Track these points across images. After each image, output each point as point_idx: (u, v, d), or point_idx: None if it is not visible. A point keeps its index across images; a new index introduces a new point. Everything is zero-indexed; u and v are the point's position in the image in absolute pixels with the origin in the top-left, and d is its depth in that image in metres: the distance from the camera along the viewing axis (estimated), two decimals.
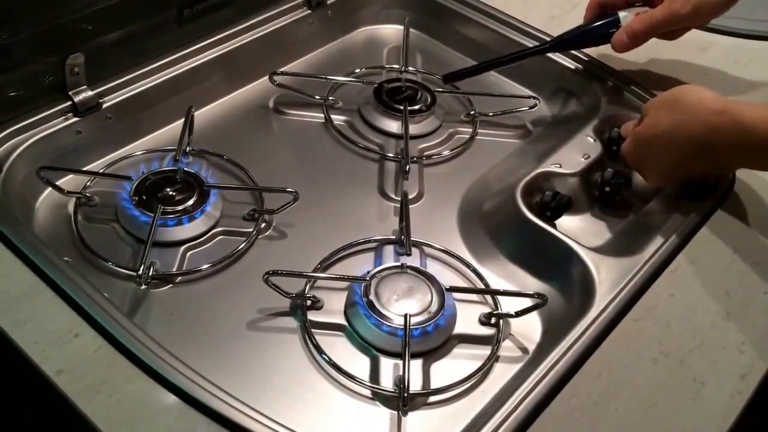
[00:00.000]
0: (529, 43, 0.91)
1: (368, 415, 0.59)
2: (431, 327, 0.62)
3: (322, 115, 0.85)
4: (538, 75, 0.90)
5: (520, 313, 0.65)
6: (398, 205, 0.74)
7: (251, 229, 0.71)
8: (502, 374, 0.63)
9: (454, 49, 0.97)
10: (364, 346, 0.63)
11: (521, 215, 0.70)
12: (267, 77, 0.85)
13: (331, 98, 0.86)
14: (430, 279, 0.65)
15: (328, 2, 0.94)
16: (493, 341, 0.65)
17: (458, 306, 0.66)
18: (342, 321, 0.64)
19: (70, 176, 0.73)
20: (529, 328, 0.66)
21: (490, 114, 0.87)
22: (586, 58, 0.88)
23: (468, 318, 0.66)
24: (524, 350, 0.65)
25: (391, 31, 0.99)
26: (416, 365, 0.62)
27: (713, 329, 0.63)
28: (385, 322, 0.62)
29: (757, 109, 0.64)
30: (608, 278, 0.65)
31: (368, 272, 0.65)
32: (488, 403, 0.60)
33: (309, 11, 0.92)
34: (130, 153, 0.77)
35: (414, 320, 0.62)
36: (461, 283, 0.69)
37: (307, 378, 0.61)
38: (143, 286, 0.65)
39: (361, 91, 0.87)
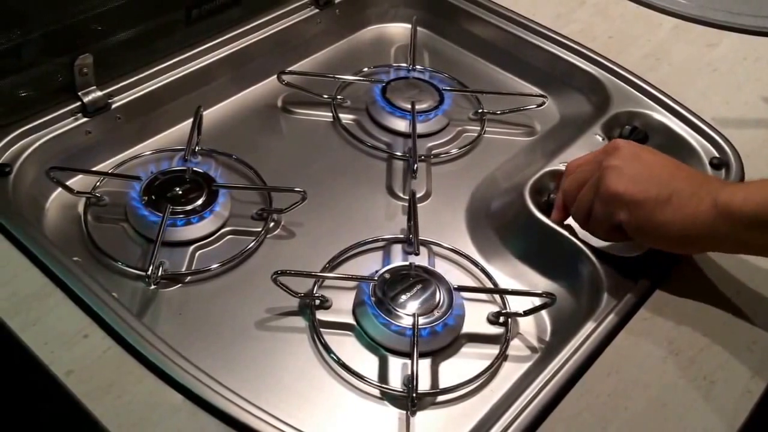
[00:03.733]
0: (538, 42, 0.90)
1: (377, 415, 0.59)
2: (440, 326, 0.62)
3: (331, 114, 0.85)
4: (547, 73, 0.90)
5: (528, 312, 0.65)
6: (406, 204, 0.74)
7: (260, 229, 0.71)
8: (510, 374, 0.63)
9: (462, 47, 0.97)
10: (373, 345, 0.63)
11: (529, 214, 0.70)
12: (275, 76, 0.85)
13: (339, 97, 0.86)
14: (439, 278, 0.65)
15: (336, 1, 0.94)
16: (501, 340, 0.64)
17: (467, 305, 0.66)
18: (350, 320, 0.65)
19: (80, 176, 0.73)
20: (538, 328, 0.66)
21: (498, 112, 0.87)
22: (594, 56, 0.88)
23: (476, 317, 0.66)
24: (533, 349, 0.65)
25: (399, 30, 0.99)
26: (425, 365, 0.62)
27: (723, 328, 0.63)
28: (393, 321, 0.62)
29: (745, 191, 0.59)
30: (617, 277, 0.65)
31: (376, 271, 0.65)
32: (497, 402, 0.60)
33: (317, 10, 0.92)
34: (139, 153, 0.78)
35: (422, 320, 0.62)
36: (469, 282, 0.69)
37: (315, 377, 0.61)
38: (152, 286, 0.65)
39: (369, 89, 0.87)
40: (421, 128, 0.82)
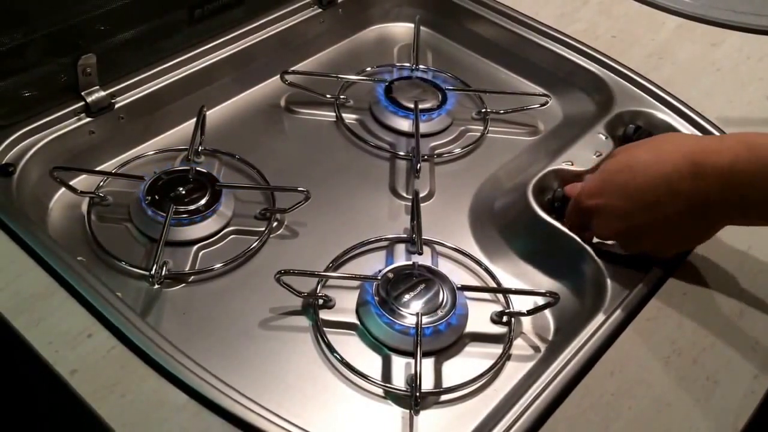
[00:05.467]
0: (541, 41, 0.90)
1: (380, 414, 0.59)
2: (443, 326, 0.63)
3: (334, 114, 0.85)
4: (550, 72, 0.90)
5: (531, 312, 0.65)
6: (409, 204, 0.74)
7: (263, 229, 0.71)
8: (513, 373, 0.63)
9: (465, 47, 0.97)
10: (376, 344, 0.63)
11: (533, 213, 0.70)
12: (278, 76, 0.85)
13: (342, 97, 0.86)
14: (442, 278, 0.65)
15: (339, 1, 0.94)
16: (504, 340, 0.64)
17: (470, 304, 0.66)
18: (354, 320, 0.65)
19: (83, 176, 0.74)
20: (541, 327, 0.66)
21: (501, 112, 0.87)
22: (598, 55, 0.88)
23: (480, 317, 0.66)
24: (536, 349, 0.65)
25: (402, 29, 0.99)
26: (428, 364, 0.62)
27: (726, 328, 0.63)
28: (397, 320, 0.62)
29: None
30: (620, 276, 0.65)
31: (380, 271, 0.65)
32: (500, 402, 0.60)
33: (320, 10, 0.92)
34: (142, 153, 0.78)
35: (426, 319, 0.62)
36: (473, 281, 0.69)
37: (319, 377, 0.61)
38: (156, 286, 0.65)
39: (372, 89, 0.87)
40: (424, 128, 0.82)
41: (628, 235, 0.64)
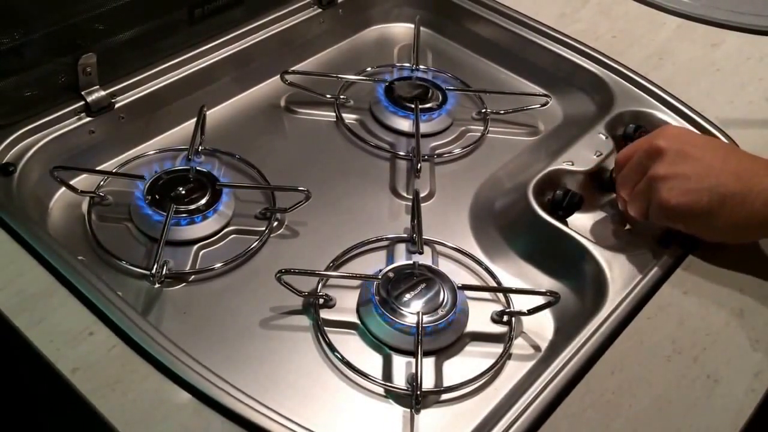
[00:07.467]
0: (541, 41, 0.91)
1: (381, 413, 0.59)
2: (443, 325, 0.63)
3: (334, 114, 0.85)
4: (550, 73, 0.90)
5: (532, 311, 0.65)
6: (410, 204, 0.74)
7: (263, 228, 0.71)
8: (514, 372, 0.63)
9: (465, 47, 0.97)
10: (377, 344, 0.63)
11: (533, 213, 0.70)
12: (278, 76, 0.85)
13: (342, 97, 0.86)
14: (442, 277, 0.65)
15: (339, 1, 0.94)
16: (505, 339, 0.65)
17: (470, 304, 0.66)
18: (354, 319, 0.65)
19: (84, 176, 0.74)
20: (542, 326, 0.66)
21: (502, 112, 0.87)
22: (598, 56, 0.88)
23: (480, 316, 0.66)
24: (536, 348, 0.65)
25: (402, 30, 0.99)
26: (429, 363, 0.62)
27: (727, 326, 0.63)
28: (397, 320, 0.62)
29: None
30: (621, 276, 0.65)
31: (380, 270, 0.65)
32: (500, 401, 0.60)
33: (320, 10, 0.92)
34: (142, 152, 0.78)
35: (426, 318, 0.62)
36: (473, 281, 0.69)
37: (320, 376, 0.61)
38: (157, 285, 0.65)
39: (372, 89, 0.87)
40: (424, 128, 0.82)
41: (697, 203, 0.62)
